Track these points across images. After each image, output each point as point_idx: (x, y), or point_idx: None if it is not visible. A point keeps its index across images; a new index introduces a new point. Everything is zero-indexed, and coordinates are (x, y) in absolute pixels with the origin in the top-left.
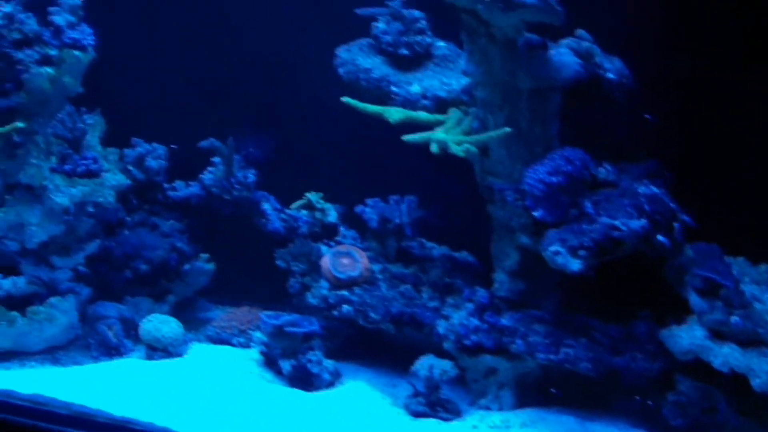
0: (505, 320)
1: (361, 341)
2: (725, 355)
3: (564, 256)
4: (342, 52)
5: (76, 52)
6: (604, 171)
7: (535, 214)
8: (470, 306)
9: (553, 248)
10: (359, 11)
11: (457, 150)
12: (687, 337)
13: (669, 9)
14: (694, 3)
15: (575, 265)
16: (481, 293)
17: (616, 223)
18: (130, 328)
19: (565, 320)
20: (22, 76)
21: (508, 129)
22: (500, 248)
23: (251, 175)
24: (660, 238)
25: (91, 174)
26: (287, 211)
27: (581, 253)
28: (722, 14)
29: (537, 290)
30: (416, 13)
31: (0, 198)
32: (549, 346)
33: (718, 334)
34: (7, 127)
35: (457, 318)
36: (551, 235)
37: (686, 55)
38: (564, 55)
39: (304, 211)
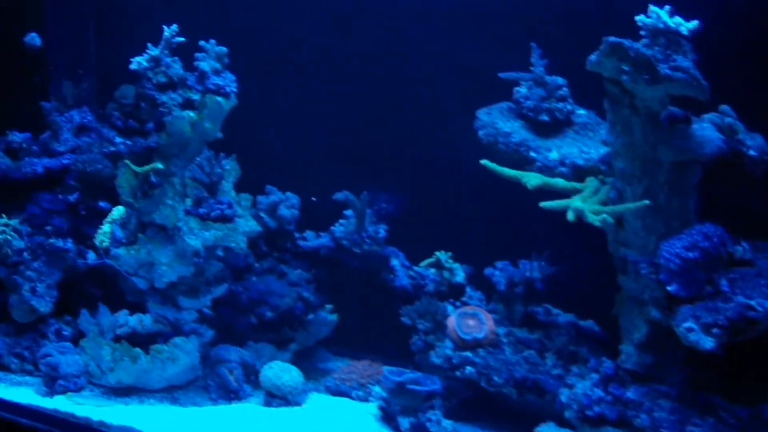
0: (630, 393)
1: (480, 403)
2: None
3: (697, 334)
4: (482, 115)
5: (219, 98)
6: (741, 249)
7: (670, 288)
8: (595, 376)
9: (686, 324)
10: (503, 75)
11: (593, 219)
12: None
13: None
14: None
15: (708, 343)
16: (608, 364)
17: (752, 303)
18: (250, 373)
19: (691, 397)
20: (164, 118)
21: (647, 201)
22: (629, 320)
23: (382, 231)
24: None
25: (225, 219)
26: (415, 268)
27: (715, 331)
28: None
29: (664, 365)
30: (559, 80)
31: (133, 236)
32: (674, 423)
33: None
34: (146, 168)
35: (581, 387)
36: (685, 311)
37: None
38: (706, 129)
39: (432, 270)
